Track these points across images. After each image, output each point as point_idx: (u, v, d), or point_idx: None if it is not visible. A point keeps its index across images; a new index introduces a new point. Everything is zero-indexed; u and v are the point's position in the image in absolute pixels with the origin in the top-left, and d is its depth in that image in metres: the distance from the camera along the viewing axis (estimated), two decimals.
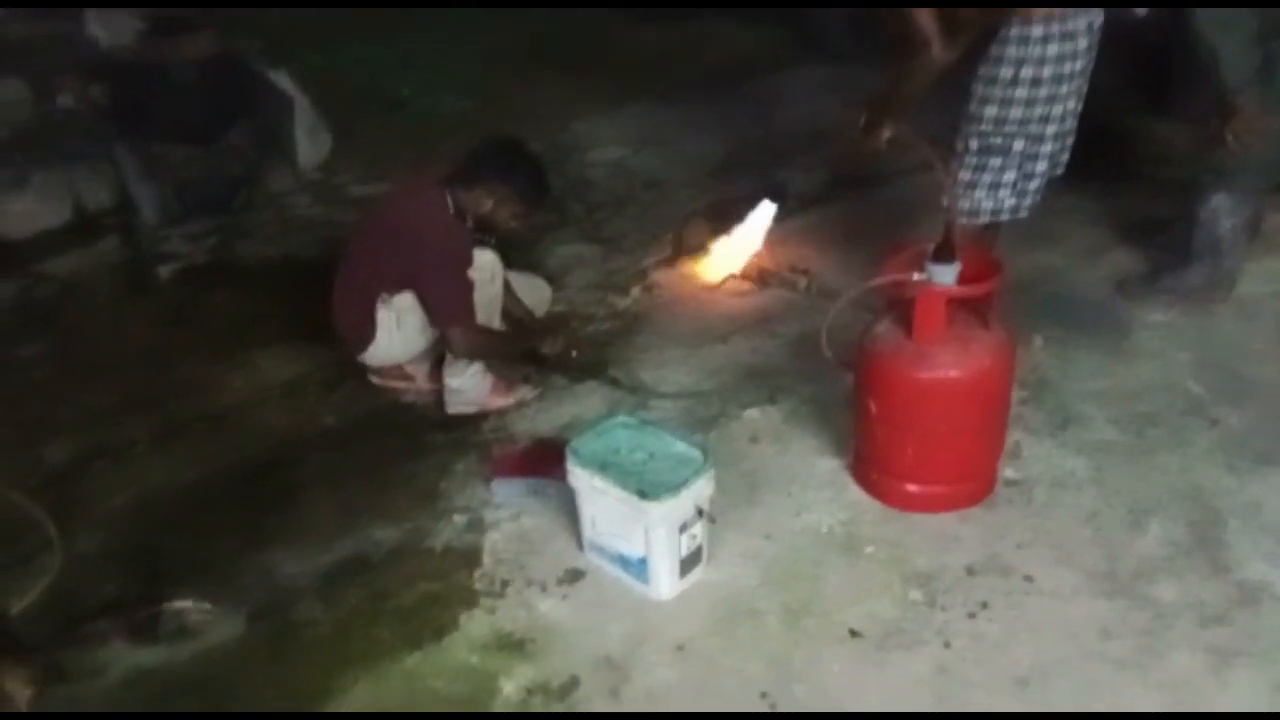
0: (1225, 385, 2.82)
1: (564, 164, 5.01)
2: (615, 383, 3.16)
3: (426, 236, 2.84)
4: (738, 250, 3.81)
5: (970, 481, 2.46)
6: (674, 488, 2.16)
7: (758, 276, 3.72)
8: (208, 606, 2.35)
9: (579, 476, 2.28)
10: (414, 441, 2.99)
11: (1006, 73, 2.63)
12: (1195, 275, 3.14)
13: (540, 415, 3.04)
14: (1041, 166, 2.77)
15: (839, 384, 2.90)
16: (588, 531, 2.36)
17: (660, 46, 6.41)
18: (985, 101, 2.69)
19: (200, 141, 4.79)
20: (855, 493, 2.55)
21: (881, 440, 2.43)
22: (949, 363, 2.29)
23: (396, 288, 2.97)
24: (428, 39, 6.32)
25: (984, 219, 2.83)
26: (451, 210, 2.89)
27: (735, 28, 6.55)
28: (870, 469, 2.51)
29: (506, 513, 2.60)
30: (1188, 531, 2.35)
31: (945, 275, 2.29)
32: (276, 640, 2.27)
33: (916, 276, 2.31)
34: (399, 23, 6.45)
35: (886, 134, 2.81)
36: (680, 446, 2.29)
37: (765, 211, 3.55)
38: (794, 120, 5.19)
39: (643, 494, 2.15)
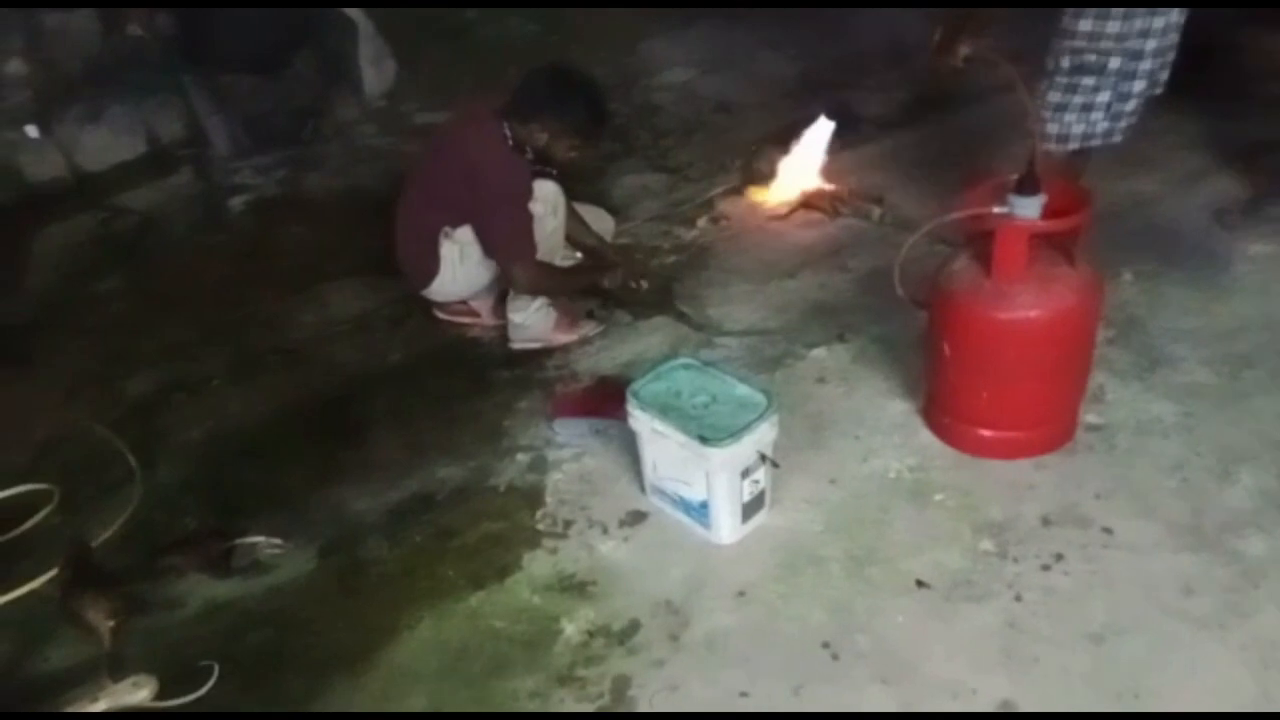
0: None
1: (630, 89, 4.90)
2: (680, 319, 3.10)
3: (485, 170, 2.79)
4: (799, 175, 3.67)
5: (1048, 427, 2.35)
6: (736, 433, 2.10)
7: (829, 206, 3.59)
8: (279, 542, 2.39)
9: (640, 420, 2.24)
10: (478, 378, 2.98)
11: None
12: None
13: (603, 352, 3.00)
14: (1139, 86, 2.57)
15: (911, 323, 2.80)
16: (649, 474, 2.33)
17: None
18: (1079, 14, 2.49)
19: (266, 70, 4.78)
20: (926, 437, 2.46)
21: (956, 383, 2.33)
22: (1030, 303, 2.16)
23: (458, 221, 2.93)
24: None
25: (1074, 144, 2.65)
26: (510, 142, 2.82)
27: None
28: (943, 413, 2.42)
29: (569, 452, 2.58)
30: None
31: (1029, 208, 2.15)
32: (345, 577, 2.31)
33: (997, 209, 2.18)
34: None
35: (964, 51, 2.63)
36: (743, 389, 2.23)
37: (822, 131, 3.40)
38: (871, 37, 4.93)
39: (704, 439, 2.10)
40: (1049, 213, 2.15)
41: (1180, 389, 2.51)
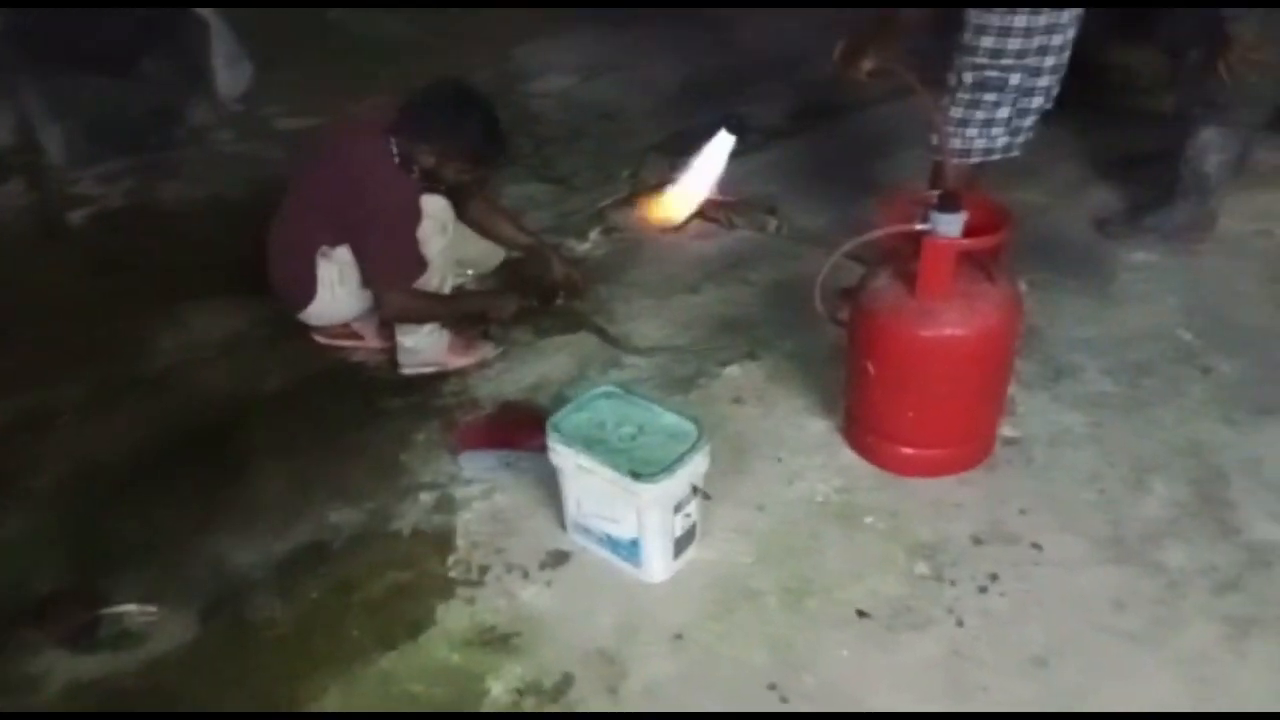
0: (1215, 331, 2.71)
1: (508, 94, 4.69)
2: (600, 335, 2.94)
3: (366, 188, 2.55)
4: (696, 187, 3.57)
5: (972, 443, 2.32)
6: (668, 466, 1.97)
7: (723, 217, 3.50)
8: (153, 609, 2.10)
9: (563, 455, 2.07)
10: (368, 407, 2.74)
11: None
12: (1179, 213, 3.02)
13: (505, 375, 2.81)
14: (1037, 101, 2.58)
15: (821, 337, 2.75)
16: (572, 511, 2.16)
17: None
18: (981, 31, 2.47)
19: (111, 70, 4.34)
20: (849, 457, 2.39)
21: (879, 402, 2.27)
22: (956, 320, 2.11)
23: (336, 240, 2.68)
24: None
25: (975, 159, 2.64)
26: (396, 159, 2.59)
27: None
28: (865, 432, 2.35)
29: (477, 489, 2.38)
30: (1191, 491, 2.25)
31: (951, 225, 2.10)
32: (233, 643, 2.04)
33: (920, 227, 2.12)
34: None
35: (869, 65, 2.59)
36: (670, 418, 2.10)
37: (722, 144, 3.32)
38: (757, 44, 4.93)
39: (635, 474, 1.95)
40: (968, 229, 2.11)
41: (1086, 399, 2.52)
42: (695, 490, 2.05)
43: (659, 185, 3.81)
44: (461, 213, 2.80)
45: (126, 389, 2.89)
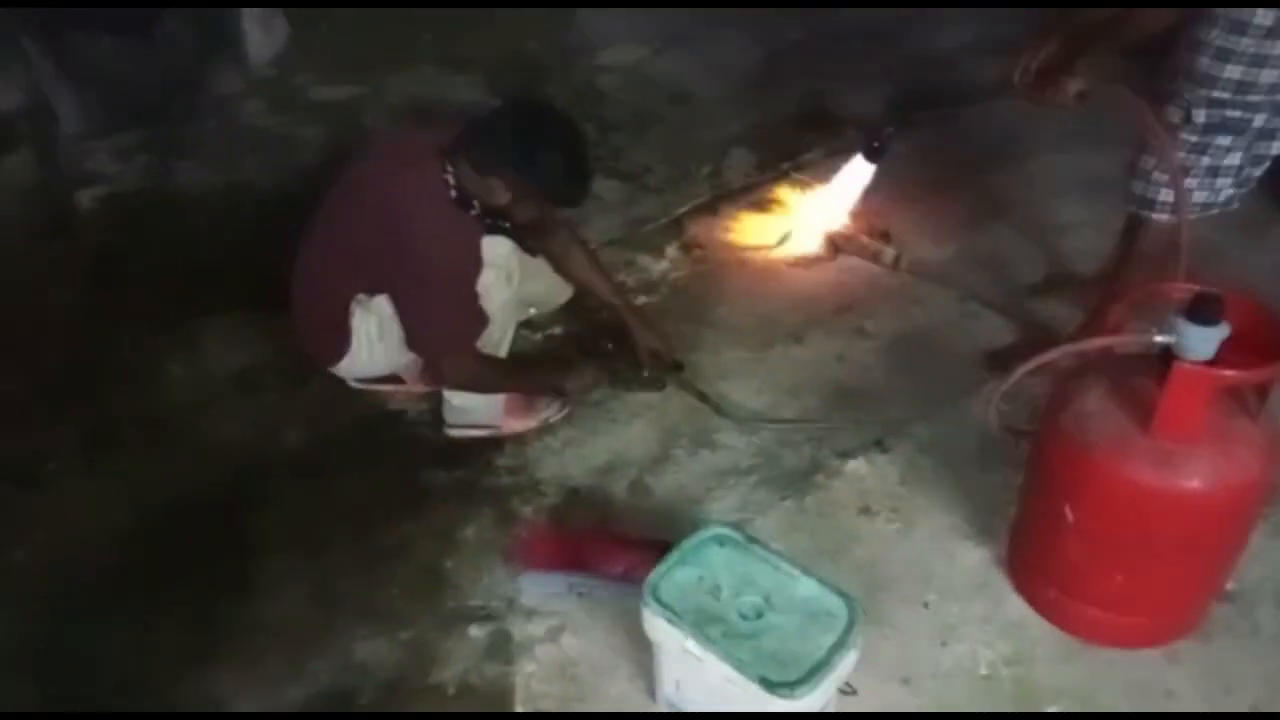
0: None
1: (569, 69, 4.00)
2: (666, 396, 2.34)
3: (417, 234, 1.94)
4: (823, 219, 2.90)
5: (1188, 611, 1.72)
6: (812, 672, 1.39)
7: (827, 241, 2.85)
8: None
9: (664, 632, 1.49)
10: (407, 481, 2.17)
11: (1265, 18, 1.74)
12: None
13: (571, 449, 2.22)
14: (1278, 147, 1.92)
15: (965, 423, 2.15)
16: (668, 691, 1.59)
17: None
18: (1225, 56, 1.80)
19: (128, 31, 3.70)
20: (1017, 606, 1.80)
21: (1076, 557, 1.66)
22: (1204, 470, 1.50)
23: (374, 289, 2.08)
24: None
25: (1191, 215, 1.98)
26: (453, 193, 1.97)
27: None
28: (1046, 583, 1.75)
29: (541, 624, 1.81)
30: None
31: (1207, 343, 1.47)
32: None
33: (1160, 338, 1.50)
34: None
35: (1078, 85, 1.92)
36: (808, 586, 1.51)
37: (860, 173, 2.67)
38: (841, 16, 4.17)
39: (767, 683, 1.38)
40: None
41: None
42: (842, 691, 1.48)
43: (744, 189, 3.19)
44: (532, 248, 2.19)
45: (125, 433, 2.34)
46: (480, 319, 2.05)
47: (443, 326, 2.01)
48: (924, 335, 2.46)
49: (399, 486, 2.16)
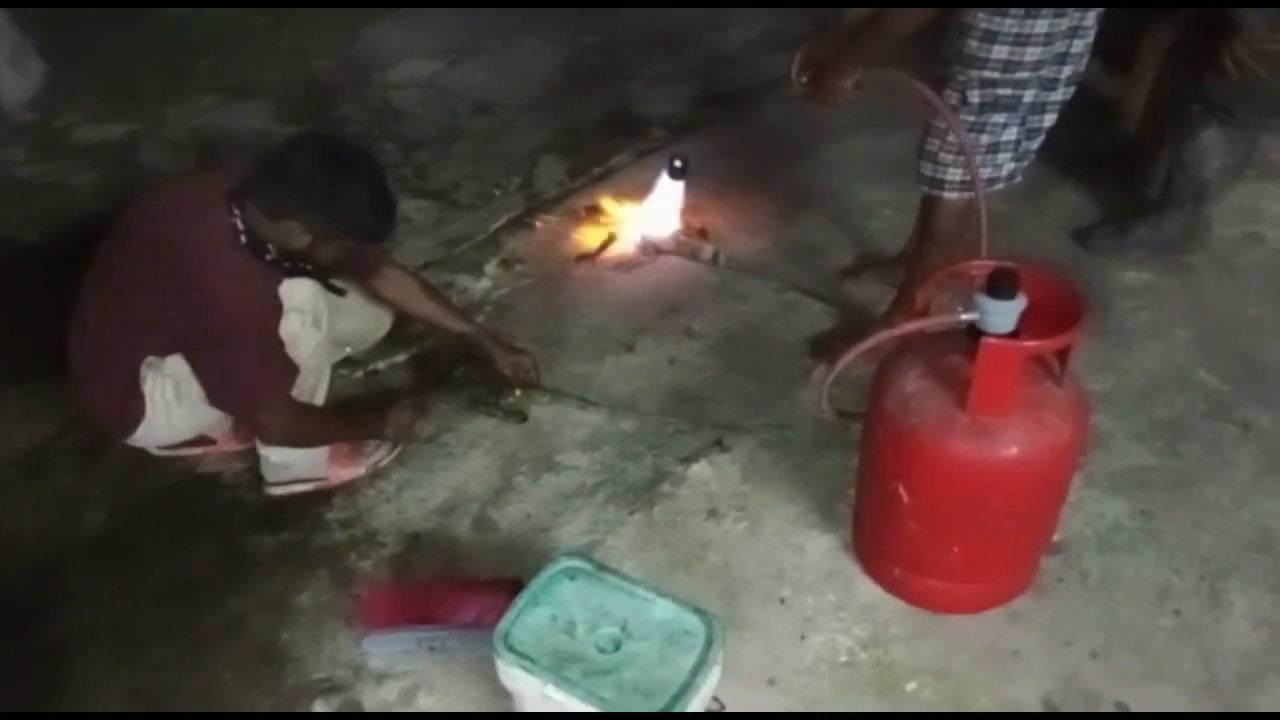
0: (1239, 373, 2.26)
1: (362, 88, 3.82)
2: (499, 422, 2.25)
3: (207, 286, 1.76)
4: (642, 230, 2.87)
5: (1023, 571, 1.78)
6: (677, 695, 1.34)
7: (646, 243, 2.83)
8: None
9: (522, 681, 1.41)
10: (228, 551, 1.99)
11: None
12: (1172, 223, 2.55)
13: (407, 490, 2.10)
14: (1049, 119, 2.03)
15: (797, 411, 2.17)
16: None
17: None
18: (992, 38, 1.88)
19: None
20: (867, 588, 1.82)
21: (915, 535, 1.69)
22: (1020, 439, 1.55)
23: (166, 350, 1.89)
24: None
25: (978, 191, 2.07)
26: (243, 239, 1.80)
27: None
28: (890, 563, 1.78)
29: (394, 687, 1.69)
30: (1274, 600, 1.79)
31: (1006, 316, 1.52)
32: None
33: (965, 316, 1.54)
34: None
35: (852, 79, 1.97)
36: (664, 608, 1.46)
37: (669, 193, 2.69)
38: (635, 20, 4.17)
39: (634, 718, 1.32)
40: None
41: (1124, 478, 2.03)
42: (711, 714, 1.44)
43: (558, 198, 3.13)
44: (339, 289, 2.04)
45: None
46: (290, 367, 1.89)
47: (251, 380, 1.84)
48: (750, 329, 2.48)
49: (220, 559, 1.98)
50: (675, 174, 2.69)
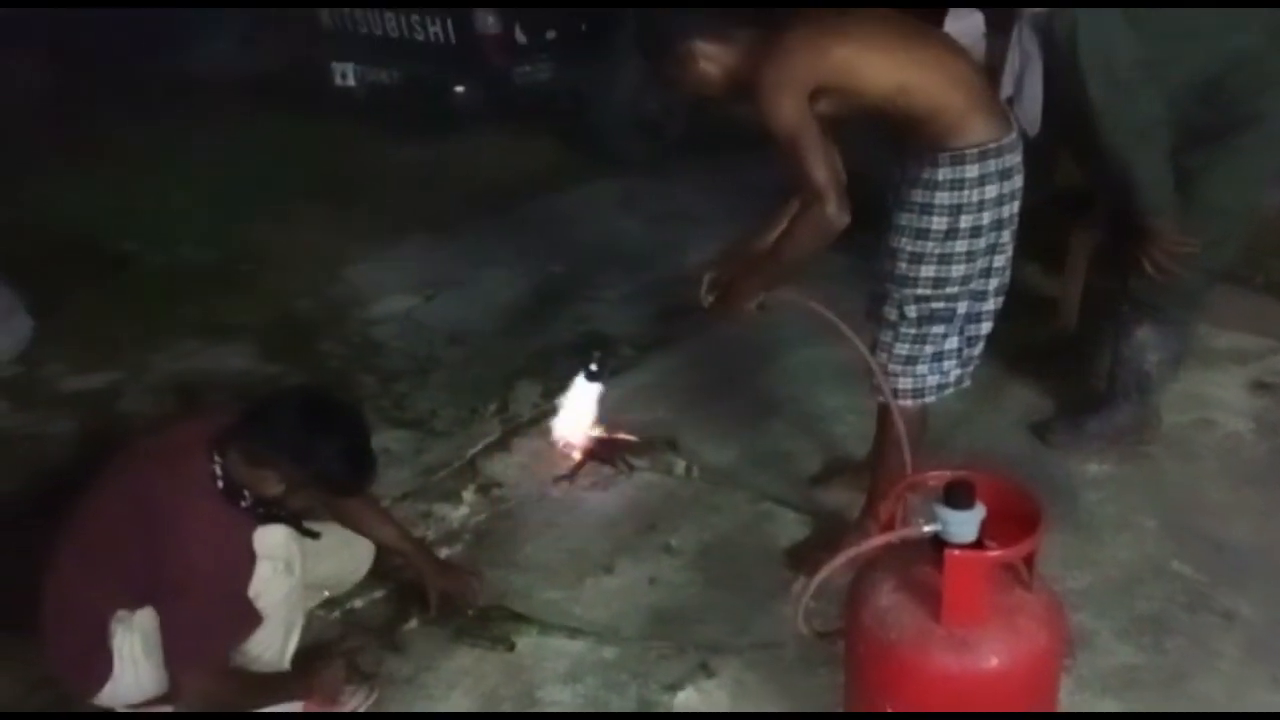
0: (1212, 559, 2.29)
1: (343, 322, 3.98)
2: (481, 656, 2.21)
3: (177, 533, 1.80)
4: (573, 433, 2.97)
5: None
6: None
7: (619, 461, 2.88)
8: None
9: None
10: None
11: (940, 224, 1.99)
12: (1122, 415, 2.65)
13: None
14: (985, 327, 2.17)
15: (780, 626, 2.15)
16: None
17: (424, 168, 5.50)
18: (918, 260, 2.04)
19: None
20: None
21: None
22: (998, 649, 1.55)
23: (137, 603, 1.89)
24: (146, 178, 5.05)
25: (930, 397, 2.17)
26: (220, 484, 1.85)
27: (504, 140, 5.76)
28: None
29: None
30: None
31: (967, 526, 1.56)
32: None
33: (928, 529, 1.58)
34: (104, 162, 5.14)
35: (755, 301, 2.11)
36: None
37: (586, 393, 2.81)
38: (596, 245, 4.44)
39: None
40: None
41: (1113, 678, 2.01)
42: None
43: (533, 420, 3.21)
44: (313, 532, 2.06)
45: None
46: (245, 623, 1.88)
47: (191, 636, 1.83)
48: (727, 543, 2.50)
49: None
50: (592, 376, 2.80)
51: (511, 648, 2.22)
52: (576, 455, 2.88)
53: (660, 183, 5.02)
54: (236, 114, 6.14)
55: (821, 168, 1.86)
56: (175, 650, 1.85)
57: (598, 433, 2.95)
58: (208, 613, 1.82)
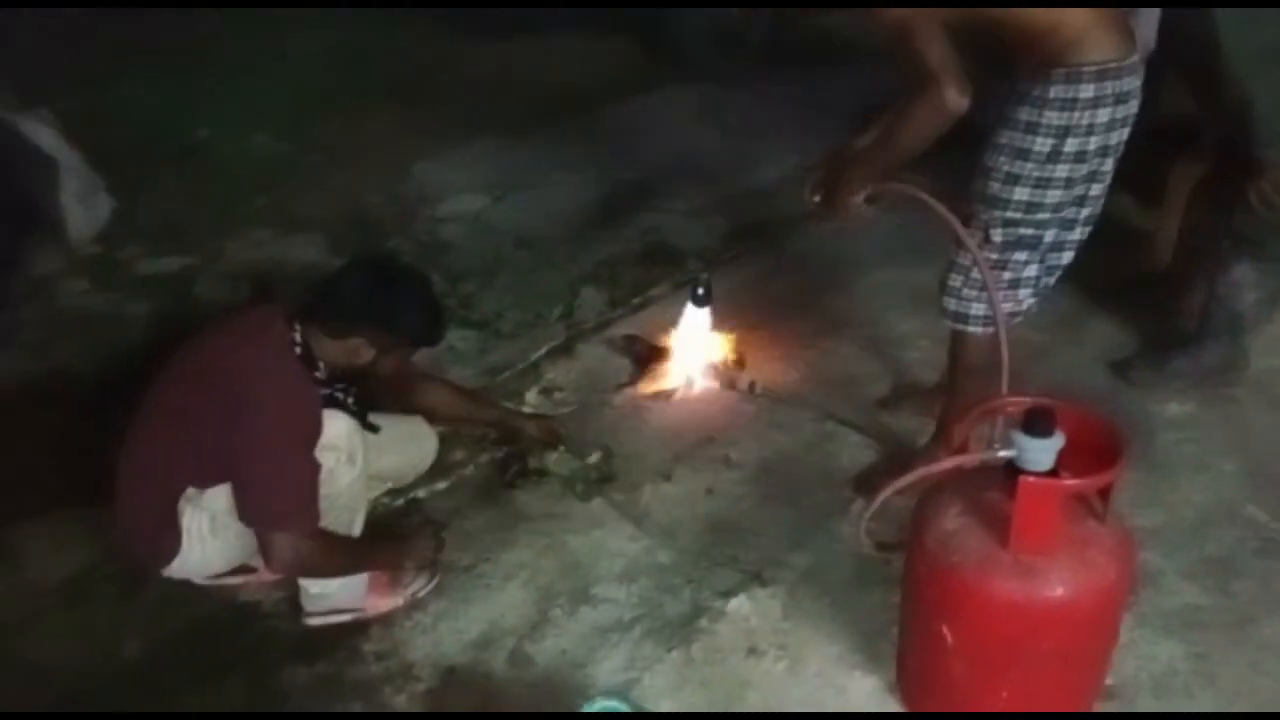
0: None
1: (410, 222, 3.99)
2: (536, 555, 2.26)
3: (258, 392, 1.86)
4: (678, 360, 2.93)
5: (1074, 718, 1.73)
6: None
7: (685, 376, 2.87)
8: None
9: None
10: (260, 684, 1.99)
11: (1044, 145, 1.90)
12: (1210, 354, 2.55)
13: (443, 622, 2.10)
14: (1067, 257, 2.09)
15: (837, 544, 2.16)
16: None
17: (500, 68, 5.40)
18: (1013, 181, 1.95)
19: None
20: None
21: (961, 677, 1.66)
22: (1065, 579, 1.54)
23: (208, 481, 1.95)
24: (223, 68, 5.05)
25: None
26: (298, 353, 1.91)
27: (580, 43, 5.63)
28: (936, 706, 1.74)
29: None
30: None
31: (1045, 454, 1.53)
32: None
33: (1003, 454, 1.55)
34: (183, 51, 5.15)
35: (863, 193, 2.04)
36: None
37: (698, 319, 2.77)
38: (668, 155, 4.35)
39: None
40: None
41: (1177, 619, 1.98)
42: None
43: (597, 327, 3.21)
44: (373, 424, 2.11)
45: None
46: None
47: (278, 494, 1.87)
48: (788, 460, 2.49)
49: (253, 692, 1.98)
50: (699, 301, 2.76)
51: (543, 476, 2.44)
52: (697, 381, 2.83)
53: (738, 94, 4.87)
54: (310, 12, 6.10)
55: (938, 48, 1.79)
56: (263, 508, 1.88)
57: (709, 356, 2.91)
58: (293, 467, 1.86)
